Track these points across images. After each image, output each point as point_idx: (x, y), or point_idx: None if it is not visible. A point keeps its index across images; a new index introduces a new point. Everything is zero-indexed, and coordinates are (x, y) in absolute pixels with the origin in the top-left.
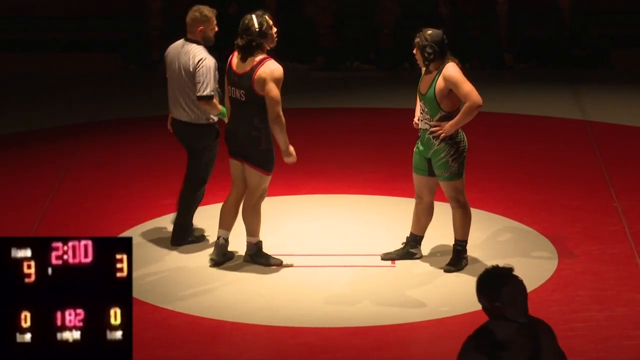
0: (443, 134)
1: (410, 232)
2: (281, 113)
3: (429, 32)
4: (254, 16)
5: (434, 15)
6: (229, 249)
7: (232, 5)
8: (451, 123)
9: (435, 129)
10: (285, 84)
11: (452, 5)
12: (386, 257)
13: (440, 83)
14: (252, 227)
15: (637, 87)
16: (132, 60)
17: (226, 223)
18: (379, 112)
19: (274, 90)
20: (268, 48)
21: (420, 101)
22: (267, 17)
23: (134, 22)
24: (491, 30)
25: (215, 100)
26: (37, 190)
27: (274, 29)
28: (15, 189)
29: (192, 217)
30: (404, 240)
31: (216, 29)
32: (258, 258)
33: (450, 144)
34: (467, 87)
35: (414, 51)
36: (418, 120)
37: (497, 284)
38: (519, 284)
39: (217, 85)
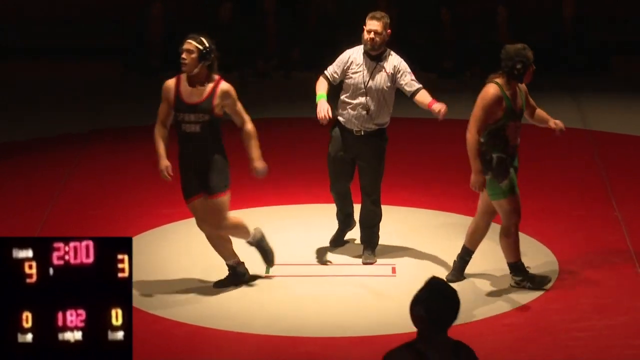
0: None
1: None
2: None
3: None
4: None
5: (435, 21)
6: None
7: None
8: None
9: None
10: (286, 93)
11: (453, 11)
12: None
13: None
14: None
15: (638, 96)
16: (132, 67)
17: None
18: None
19: None
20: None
21: (517, 120)
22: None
23: (135, 29)
24: (491, 37)
25: None
26: (38, 198)
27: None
28: (17, 197)
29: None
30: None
31: None
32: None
33: None
34: None
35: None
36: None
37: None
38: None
39: None
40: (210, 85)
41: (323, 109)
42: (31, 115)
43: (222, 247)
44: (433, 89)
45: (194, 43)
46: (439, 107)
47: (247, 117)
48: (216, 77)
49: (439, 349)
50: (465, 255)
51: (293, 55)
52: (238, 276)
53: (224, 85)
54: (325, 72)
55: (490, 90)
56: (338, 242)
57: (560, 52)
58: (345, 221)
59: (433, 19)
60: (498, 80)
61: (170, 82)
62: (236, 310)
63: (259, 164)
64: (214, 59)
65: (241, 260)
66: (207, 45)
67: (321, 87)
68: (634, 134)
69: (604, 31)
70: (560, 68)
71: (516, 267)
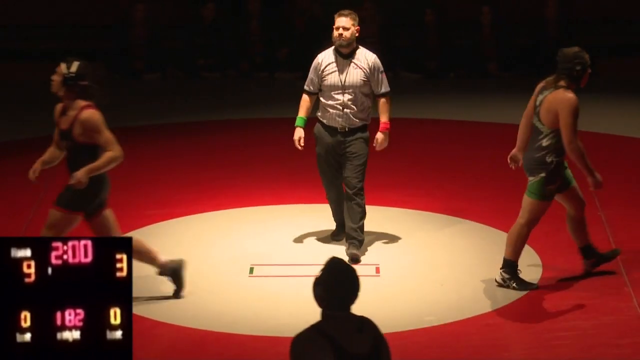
0: None
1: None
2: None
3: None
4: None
5: (419, 24)
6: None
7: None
8: None
9: None
10: (276, 94)
11: (438, 14)
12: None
13: None
14: None
15: (623, 96)
16: (116, 70)
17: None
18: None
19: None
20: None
21: None
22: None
23: (118, 31)
24: (476, 39)
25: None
26: (24, 199)
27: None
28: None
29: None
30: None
31: None
32: None
33: None
34: None
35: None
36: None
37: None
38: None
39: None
40: (73, 113)
41: (296, 139)
42: (14, 117)
43: (143, 259)
44: (417, 90)
45: (62, 67)
46: (380, 139)
47: (110, 147)
48: (82, 104)
49: (344, 327)
50: (589, 253)
51: (280, 56)
52: (176, 274)
53: (84, 115)
54: (305, 87)
55: (571, 95)
56: (339, 236)
57: (545, 52)
58: (342, 220)
59: (417, 20)
60: (562, 83)
61: (58, 107)
62: (220, 311)
63: (79, 173)
64: (87, 87)
65: (163, 259)
66: (73, 71)
67: (302, 109)
68: (618, 134)
69: (590, 33)
70: (545, 69)
71: (510, 264)
